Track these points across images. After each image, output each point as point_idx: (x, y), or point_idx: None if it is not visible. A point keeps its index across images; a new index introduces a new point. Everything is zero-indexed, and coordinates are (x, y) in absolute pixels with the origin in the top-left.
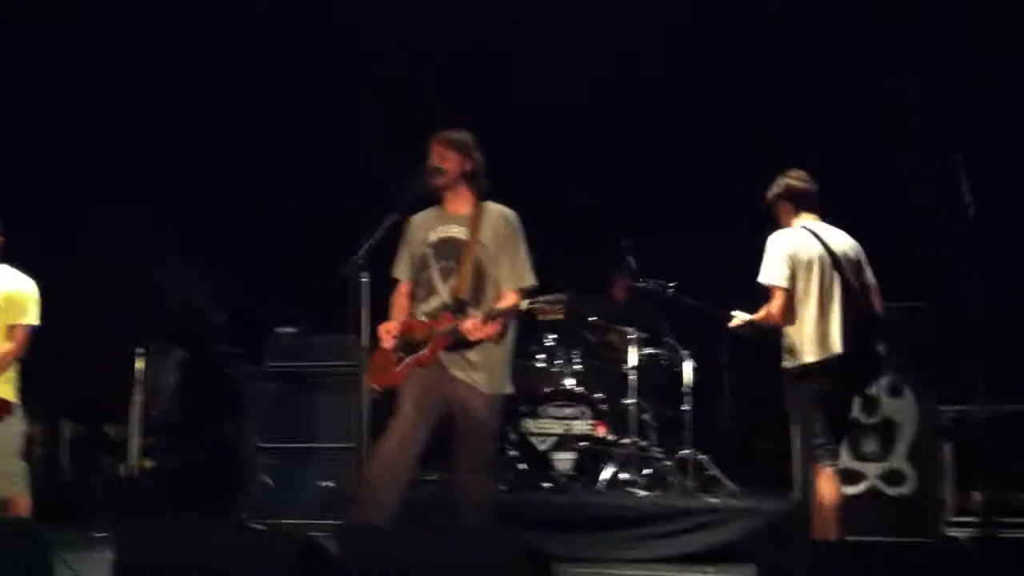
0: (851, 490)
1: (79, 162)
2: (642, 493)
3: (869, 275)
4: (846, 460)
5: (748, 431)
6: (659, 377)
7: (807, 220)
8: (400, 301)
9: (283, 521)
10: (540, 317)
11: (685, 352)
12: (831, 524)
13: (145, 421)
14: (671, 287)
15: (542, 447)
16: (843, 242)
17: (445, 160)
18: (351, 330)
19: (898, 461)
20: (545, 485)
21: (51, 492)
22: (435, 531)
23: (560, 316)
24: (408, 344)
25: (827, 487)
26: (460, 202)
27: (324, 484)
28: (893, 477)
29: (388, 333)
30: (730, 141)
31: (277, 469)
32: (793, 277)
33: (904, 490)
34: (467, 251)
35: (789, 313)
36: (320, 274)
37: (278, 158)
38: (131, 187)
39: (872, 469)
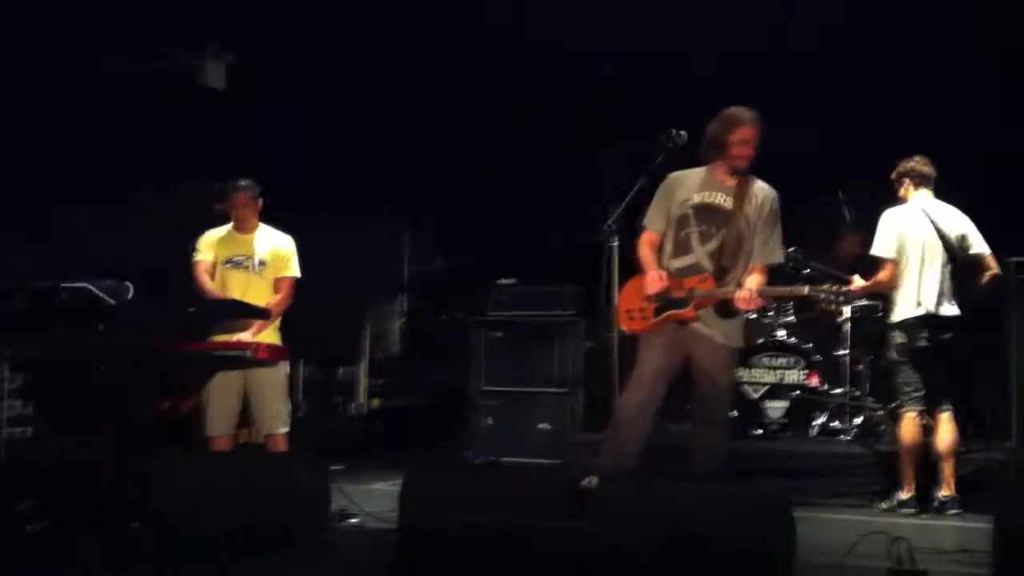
0: None
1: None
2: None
3: (979, 245)
4: None
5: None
6: (874, 329)
7: (921, 197)
8: (650, 250)
9: (504, 460)
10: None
11: None
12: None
13: (373, 365)
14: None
15: (754, 396)
16: (950, 217)
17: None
18: (601, 286)
19: None
20: (756, 432)
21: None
22: (681, 478)
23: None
24: (666, 298)
25: (909, 430)
26: (726, 172)
27: (542, 426)
28: None
29: (660, 280)
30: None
31: (498, 411)
32: (900, 250)
33: None
34: (731, 220)
35: (896, 280)
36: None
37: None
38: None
39: None
